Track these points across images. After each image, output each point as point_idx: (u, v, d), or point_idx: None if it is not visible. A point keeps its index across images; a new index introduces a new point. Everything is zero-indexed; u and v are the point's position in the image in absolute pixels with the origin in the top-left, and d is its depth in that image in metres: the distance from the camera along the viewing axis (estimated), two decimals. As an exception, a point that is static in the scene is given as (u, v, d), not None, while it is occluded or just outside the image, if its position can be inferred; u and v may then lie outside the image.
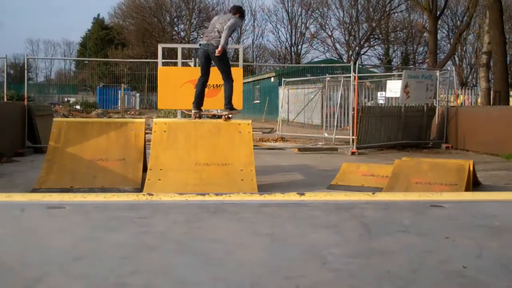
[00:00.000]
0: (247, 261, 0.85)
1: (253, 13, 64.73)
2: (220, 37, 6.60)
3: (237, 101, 7.62)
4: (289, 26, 49.17)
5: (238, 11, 7.01)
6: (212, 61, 6.76)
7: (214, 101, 7.65)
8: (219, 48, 6.44)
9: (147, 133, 7.26)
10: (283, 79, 17.65)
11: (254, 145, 7.65)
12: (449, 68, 16.95)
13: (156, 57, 9.45)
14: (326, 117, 16.06)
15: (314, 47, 50.92)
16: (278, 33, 65.17)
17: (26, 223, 1.12)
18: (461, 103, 21.43)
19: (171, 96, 7.53)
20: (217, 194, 1.37)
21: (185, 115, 8.06)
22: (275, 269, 0.80)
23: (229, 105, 6.86)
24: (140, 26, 45.39)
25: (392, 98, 14.76)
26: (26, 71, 12.01)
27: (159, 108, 9.08)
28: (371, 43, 45.91)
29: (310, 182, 6.92)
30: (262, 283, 0.75)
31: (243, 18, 7.41)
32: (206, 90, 7.04)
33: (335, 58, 42.03)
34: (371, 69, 31.98)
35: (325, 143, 13.18)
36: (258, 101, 30.88)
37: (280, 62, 47.76)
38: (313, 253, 0.89)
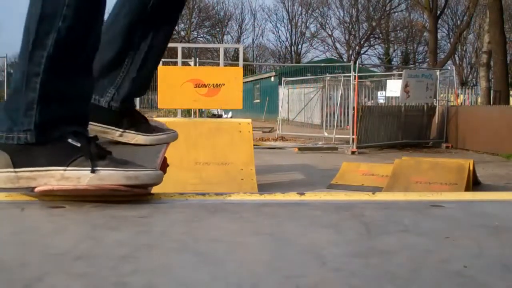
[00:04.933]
0: (247, 260, 0.85)
1: (253, 12, 64.85)
2: None
3: (237, 100, 7.61)
4: (289, 26, 49.24)
5: None
6: None
7: (214, 101, 7.65)
8: None
9: (147, 133, 7.23)
10: (283, 79, 17.65)
11: (254, 145, 7.65)
12: (449, 68, 16.95)
13: (156, 56, 9.39)
14: (326, 117, 16.06)
15: (314, 46, 50.98)
16: (278, 32, 65.26)
17: (26, 223, 1.12)
18: (461, 103, 21.43)
19: (171, 95, 7.53)
20: (217, 194, 1.37)
21: (185, 114, 8.06)
22: (275, 268, 0.80)
23: None
24: (140, 26, 45.29)
25: (392, 97, 14.76)
26: (26, 70, 11.98)
27: (159, 107, 9.09)
28: (371, 42, 45.97)
29: (310, 182, 6.92)
30: (262, 282, 0.75)
31: None
32: (206, 89, 7.02)
33: (335, 58, 42.05)
34: (371, 69, 31.99)
35: (325, 142, 13.19)
36: (258, 101, 30.89)
37: (280, 61, 47.77)
38: (313, 253, 0.89)
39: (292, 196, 1.41)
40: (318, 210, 1.27)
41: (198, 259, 0.87)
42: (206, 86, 6.96)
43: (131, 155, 1.47)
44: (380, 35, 46.09)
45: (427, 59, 33.79)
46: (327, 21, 47.31)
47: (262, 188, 5.95)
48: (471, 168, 5.86)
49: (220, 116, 19.86)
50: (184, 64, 10.31)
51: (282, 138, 14.65)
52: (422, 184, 5.73)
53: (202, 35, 48.49)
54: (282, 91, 18.19)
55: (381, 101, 16.19)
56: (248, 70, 38.32)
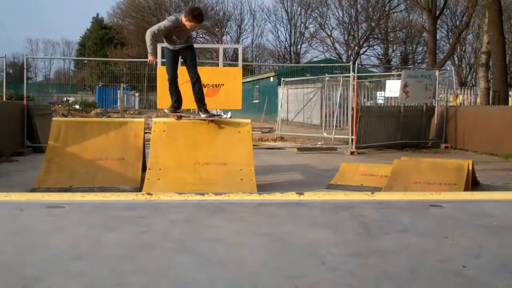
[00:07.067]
0: (246, 260, 0.85)
1: (253, 12, 64.76)
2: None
3: (237, 100, 7.60)
4: (289, 26, 49.15)
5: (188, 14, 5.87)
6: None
7: (213, 101, 7.65)
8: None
9: (146, 133, 7.25)
10: (282, 79, 17.65)
11: (254, 145, 7.64)
12: (448, 68, 16.95)
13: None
14: (326, 117, 16.06)
15: (314, 46, 50.84)
16: (278, 32, 64.96)
17: (25, 222, 1.12)
18: (460, 103, 21.44)
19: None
20: (216, 194, 1.37)
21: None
22: (274, 268, 0.81)
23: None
24: (140, 26, 45.31)
25: (391, 97, 14.75)
26: (25, 70, 11.98)
27: (158, 107, 9.08)
28: (371, 42, 45.89)
29: (309, 182, 6.92)
30: (261, 282, 0.75)
31: (197, 21, 5.91)
32: (205, 90, 7.01)
33: (335, 58, 41.99)
34: (371, 69, 31.98)
35: (324, 142, 13.19)
36: (258, 101, 30.89)
37: (279, 61, 47.73)
38: (312, 253, 0.89)
39: (291, 196, 1.41)
40: (317, 210, 1.27)
41: (198, 259, 0.87)
42: (205, 86, 6.95)
43: None
44: (379, 35, 46.04)
45: (426, 60, 33.77)
46: (326, 21, 47.20)
47: (262, 188, 5.95)
48: (470, 168, 5.86)
49: (220, 117, 19.77)
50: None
51: (282, 138, 14.65)
52: (421, 184, 5.73)
53: (201, 35, 48.46)
54: (282, 91, 18.19)
55: (380, 101, 16.19)
56: (248, 70, 38.27)
